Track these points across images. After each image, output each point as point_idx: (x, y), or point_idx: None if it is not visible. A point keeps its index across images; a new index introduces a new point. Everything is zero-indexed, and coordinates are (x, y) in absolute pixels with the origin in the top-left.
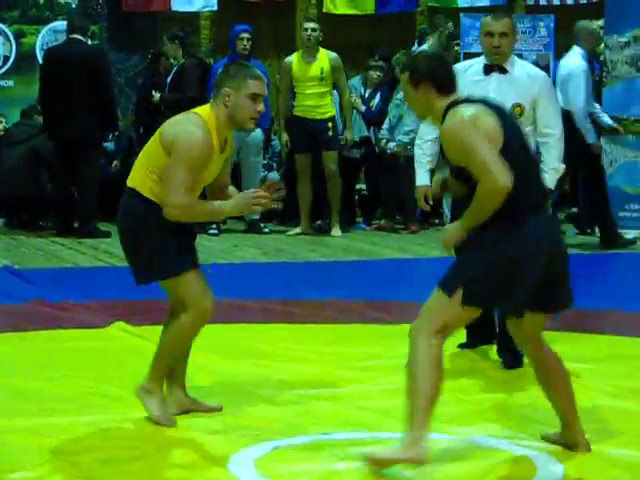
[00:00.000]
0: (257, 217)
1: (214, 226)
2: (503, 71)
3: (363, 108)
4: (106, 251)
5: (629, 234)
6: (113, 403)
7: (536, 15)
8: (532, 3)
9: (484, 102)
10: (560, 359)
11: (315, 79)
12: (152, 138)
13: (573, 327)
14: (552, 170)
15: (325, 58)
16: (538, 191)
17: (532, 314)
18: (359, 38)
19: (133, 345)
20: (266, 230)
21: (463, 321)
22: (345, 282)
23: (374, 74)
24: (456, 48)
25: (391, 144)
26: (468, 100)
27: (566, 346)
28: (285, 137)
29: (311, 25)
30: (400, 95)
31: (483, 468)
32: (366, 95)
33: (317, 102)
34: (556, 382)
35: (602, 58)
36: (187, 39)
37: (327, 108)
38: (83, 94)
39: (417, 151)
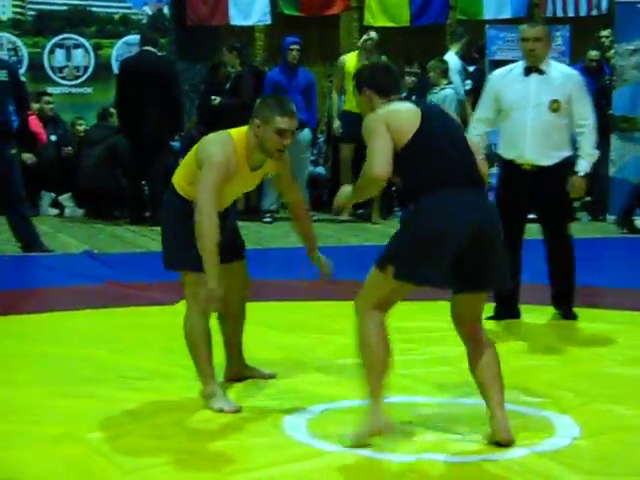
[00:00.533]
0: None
1: (268, 215)
2: (540, 72)
3: None
4: None
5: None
6: (180, 371)
7: (553, 25)
8: (550, 15)
9: (415, 103)
10: (493, 352)
11: None
12: (193, 147)
13: (591, 304)
14: (588, 156)
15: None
16: (458, 175)
17: (466, 295)
18: (395, 47)
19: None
20: (314, 218)
21: (399, 295)
22: None
23: (409, 79)
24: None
25: None
26: (401, 100)
27: (585, 322)
28: (337, 123)
29: (373, 34)
30: (433, 99)
31: None
32: None
33: None
34: (482, 371)
35: (612, 63)
36: (243, 50)
37: None
38: (154, 99)
39: None
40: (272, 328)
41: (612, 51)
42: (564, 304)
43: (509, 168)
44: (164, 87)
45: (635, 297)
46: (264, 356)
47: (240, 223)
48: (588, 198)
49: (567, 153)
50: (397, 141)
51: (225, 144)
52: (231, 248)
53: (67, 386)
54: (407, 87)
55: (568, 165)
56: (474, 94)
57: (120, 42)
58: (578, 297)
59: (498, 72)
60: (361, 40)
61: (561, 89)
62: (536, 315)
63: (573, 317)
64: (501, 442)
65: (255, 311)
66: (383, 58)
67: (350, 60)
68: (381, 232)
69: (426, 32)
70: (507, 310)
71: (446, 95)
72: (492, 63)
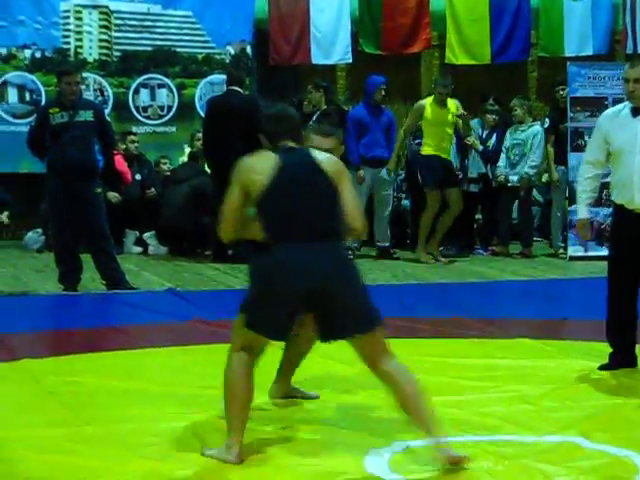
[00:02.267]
0: (388, 244)
1: (349, 252)
2: None
3: (481, 148)
4: None
5: None
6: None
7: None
8: (630, 52)
9: (286, 151)
10: (405, 378)
11: (448, 123)
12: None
13: None
14: None
15: (453, 105)
16: (305, 228)
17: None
18: (476, 85)
19: (275, 356)
20: (396, 256)
21: (259, 341)
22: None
23: (490, 117)
24: (561, 93)
25: (513, 177)
26: (277, 149)
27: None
28: (392, 165)
29: (447, 82)
30: (522, 135)
31: (584, 468)
32: (483, 136)
33: (450, 143)
34: (404, 406)
35: None
36: (329, 88)
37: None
38: (240, 139)
39: (578, 188)
40: (345, 363)
41: None
42: None
43: (621, 213)
44: (251, 126)
45: None
46: (337, 388)
47: None
48: None
49: None
50: (252, 192)
51: None
52: None
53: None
54: (489, 124)
55: None
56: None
57: (204, 81)
58: None
59: (608, 113)
60: (437, 88)
61: None
62: None
63: None
64: (451, 463)
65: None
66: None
67: (428, 104)
68: (460, 269)
69: (506, 69)
70: (623, 358)
71: (537, 131)
72: (573, 100)
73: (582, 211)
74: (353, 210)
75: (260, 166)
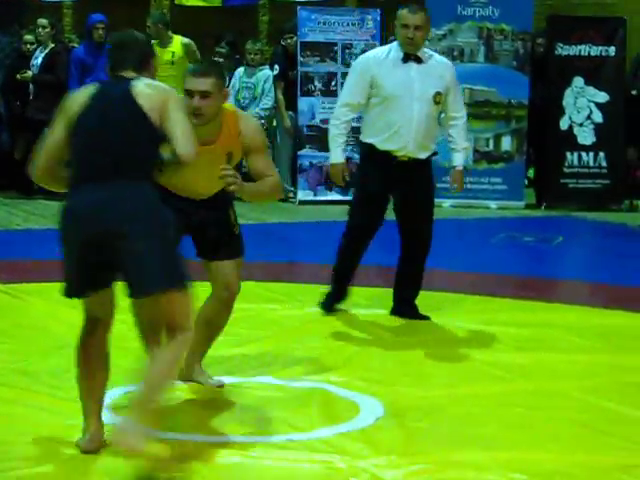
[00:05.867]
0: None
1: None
2: (419, 60)
3: None
4: None
5: None
6: None
7: (364, 9)
8: None
9: (108, 82)
10: (159, 367)
11: (167, 63)
12: None
13: None
14: (464, 149)
15: (178, 44)
16: (97, 166)
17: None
18: (208, 28)
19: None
20: None
21: (92, 305)
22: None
23: (219, 59)
24: (289, 41)
25: None
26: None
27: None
28: None
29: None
30: (253, 79)
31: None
32: None
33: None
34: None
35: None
36: (57, 25)
37: None
38: None
39: (334, 130)
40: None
41: None
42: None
43: (380, 158)
44: None
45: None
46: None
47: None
48: None
49: (435, 146)
50: (69, 126)
51: None
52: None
53: None
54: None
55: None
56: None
57: None
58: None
59: (371, 56)
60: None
61: (441, 80)
62: None
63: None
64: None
65: None
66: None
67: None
68: None
69: (236, 12)
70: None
71: (268, 75)
72: (303, 45)
73: (338, 155)
74: (181, 137)
75: (79, 99)
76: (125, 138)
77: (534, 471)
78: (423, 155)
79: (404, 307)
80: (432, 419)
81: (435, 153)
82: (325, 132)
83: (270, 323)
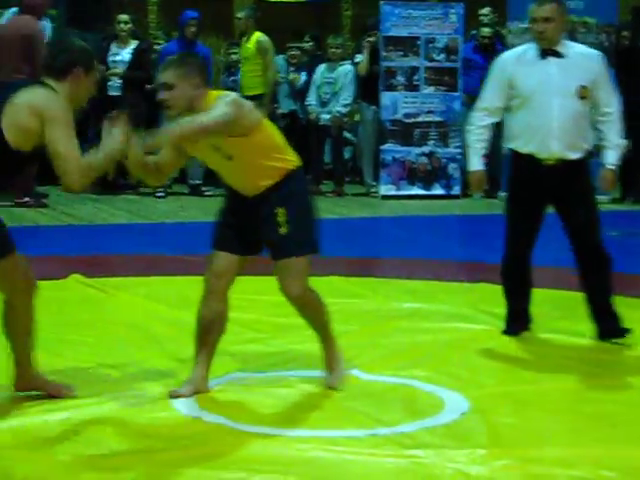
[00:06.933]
0: (199, 182)
1: (161, 190)
2: (558, 55)
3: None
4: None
5: None
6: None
7: (448, 3)
8: None
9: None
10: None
11: (245, 59)
12: None
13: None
14: (617, 147)
15: (254, 40)
16: None
17: None
18: (290, 22)
19: (87, 295)
20: (208, 193)
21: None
22: None
23: (295, 54)
24: (372, 39)
25: (325, 115)
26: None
27: None
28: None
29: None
30: (333, 74)
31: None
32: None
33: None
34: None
35: (506, 41)
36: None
37: None
38: None
39: (469, 137)
40: (165, 304)
41: (505, 29)
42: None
43: (525, 163)
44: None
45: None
46: (157, 330)
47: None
48: None
49: (589, 145)
50: None
51: None
52: None
53: None
54: (293, 61)
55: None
56: None
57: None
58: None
59: (509, 56)
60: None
61: (586, 73)
62: None
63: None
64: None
65: (146, 286)
66: None
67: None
68: None
69: (320, 6)
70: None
71: (348, 70)
72: (385, 39)
73: (476, 162)
74: (62, 163)
75: None
76: None
77: (625, 467)
78: (573, 155)
79: (606, 321)
80: (518, 414)
81: (591, 153)
82: (407, 126)
83: (354, 317)
